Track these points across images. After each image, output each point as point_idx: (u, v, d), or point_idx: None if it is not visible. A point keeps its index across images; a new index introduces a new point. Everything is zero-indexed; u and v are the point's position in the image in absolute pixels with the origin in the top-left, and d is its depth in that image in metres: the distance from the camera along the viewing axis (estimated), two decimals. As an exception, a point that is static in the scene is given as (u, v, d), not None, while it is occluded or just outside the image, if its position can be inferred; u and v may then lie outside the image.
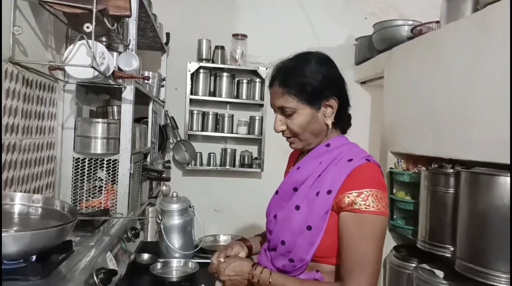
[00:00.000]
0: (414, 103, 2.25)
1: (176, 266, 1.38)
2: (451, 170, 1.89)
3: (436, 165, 2.04)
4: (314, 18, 3.11)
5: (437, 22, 2.17)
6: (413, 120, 2.25)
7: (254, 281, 1.02)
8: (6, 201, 1.02)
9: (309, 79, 1.04)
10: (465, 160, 1.82)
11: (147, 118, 2.17)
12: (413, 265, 2.14)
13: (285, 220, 1.07)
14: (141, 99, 2.00)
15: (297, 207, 1.04)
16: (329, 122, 1.07)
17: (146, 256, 1.43)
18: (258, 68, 2.89)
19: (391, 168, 2.44)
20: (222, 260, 1.12)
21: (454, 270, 1.75)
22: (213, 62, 2.90)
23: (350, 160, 1.03)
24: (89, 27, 1.10)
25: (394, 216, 2.41)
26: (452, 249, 1.84)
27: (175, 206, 1.43)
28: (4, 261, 0.87)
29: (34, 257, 0.91)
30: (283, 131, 1.10)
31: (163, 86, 2.55)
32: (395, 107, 2.48)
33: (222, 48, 2.90)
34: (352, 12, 3.13)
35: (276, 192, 1.16)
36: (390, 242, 2.45)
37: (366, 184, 0.99)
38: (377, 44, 2.67)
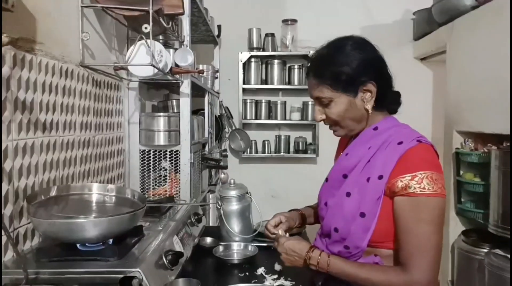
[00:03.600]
0: (482, 78, 2.08)
1: (237, 249, 1.45)
2: None
3: (509, 144, 1.89)
4: (368, -5, 2.98)
5: (506, -14, 1.98)
6: (481, 96, 2.09)
7: (312, 263, 1.03)
8: (85, 191, 1.14)
9: (342, 67, 1.02)
10: (541, 137, 1.67)
11: (203, 109, 2.27)
12: (485, 250, 2.02)
13: (336, 207, 1.07)
14: (197, 91, 2.09)
15: (348, 194, 1.04)
16: (369, 107, 1.04)
17: (209, 239, 1.51)
18: (310, 52, 2.84)
19: (457, 148, 2.30)
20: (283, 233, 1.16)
21: None
22: (263, 50, 2.92)
23: (400, 142, 1.00)
24: (147, 28, 1.18)
25: (462, 199, 2.29)
26: None
27: (233, 193, 1.49)
28: (86, 244, 0.99)
29: (111, 241, 1.01)
30: (323, 120, 1.10)
31: (216, 77, 2.63)
32: (460, 83, 2.32)
33: (272, 35, 2.91)
34: (409, -16, 2.96)
35: (326, 180, 1.16)
36: (458, 227, 2.33)
37: (419, 166, 0.95)
38: (437, 16, 2.49)
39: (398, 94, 1.12)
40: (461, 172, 2.29)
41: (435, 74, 2.98)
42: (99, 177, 1.43)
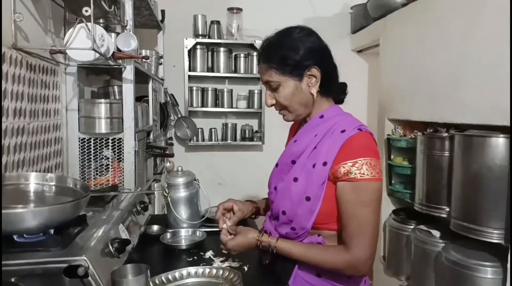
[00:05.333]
0: (410, 70, 2.25)
1: (185, 235, 1.46)
2: (446, 134, 1.91)
3: (432, 130, 2.07)
4: (310, -13, 3.08)
5: (432, -14, 2.15)
6: (409, 86, 2.26)
7: (264, 246, 1.09)
8: (21, 181, 1.08)
9: (289, 51, 1.08)
10: (459, 124, 1.85)
11: (147, 96, 2.21)
12: (411, 227, 2.20)
13: (284, 191, 1.12)
14: (141, 77, 2.03)
15: (295, 179, 1.10)
16: (314, 91, 1.10)
17: (155, 227, 1.51)
18: (255, 41, 2.89)
19: (388, 134, 2.48)
20: (229, 236, 1.16)
21: (449, 229, 1.81)
22: (209, 37, 2.90)
23: (343, 131, 1.07)
24: (87, 11, 1.13)
25: (393, 181, 2.47)
26: (447, 209, 1.90)
27: (180, 180, 1.50)
28: (25, 235, 0.94)
29: (52, 231, 0.98)
30: (274, 105, 1.15)
31: (161, 64, 2.57)
32: (391, 75, 2.49)
33: (218, 23, 2.90)
34: (348, -21, 3.10)
35: (276, 165, 1.22)
36: (389, 207, 2.51)
37: (360, 153, 1.03)
38: (372, 11, 2.65)
39: (344, 85, 1.20)
40: (392, 156, 2.47)
41: (370, 66, 3.17)
42: (35, 166, 1.35)
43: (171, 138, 2.91)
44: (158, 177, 2.38)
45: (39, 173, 1.09)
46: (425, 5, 2.13)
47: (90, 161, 1.66)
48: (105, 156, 1.68)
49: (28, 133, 1.30)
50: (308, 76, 1.09)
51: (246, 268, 1.19)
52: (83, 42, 1.25)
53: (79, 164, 1.64)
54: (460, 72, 1.83)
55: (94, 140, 1.65)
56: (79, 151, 1.64)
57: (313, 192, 1.06)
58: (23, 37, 1.24)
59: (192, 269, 1.14)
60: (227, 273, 1.13)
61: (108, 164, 1.68)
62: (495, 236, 1.61)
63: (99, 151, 1.66)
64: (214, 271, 1.14)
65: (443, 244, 1.92)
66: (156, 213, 2.21)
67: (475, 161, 1.67)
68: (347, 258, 1.02)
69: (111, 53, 1.41)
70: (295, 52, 1.07)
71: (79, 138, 1.63)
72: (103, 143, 1.66)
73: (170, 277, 1.11)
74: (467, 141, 1.72)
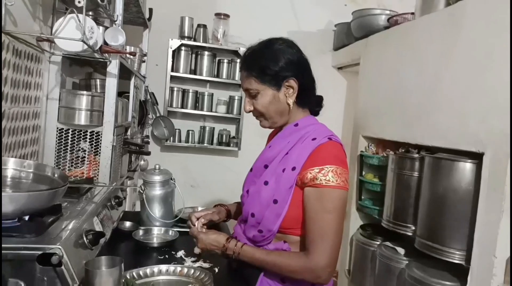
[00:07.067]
0: (387, 91, 2.34)
1: (157, 234, 1.47)
2: (417, 155, 1.98)
3: (403, 150, 2.14)
4: (297, 1, 3.15)
5: (412, 13, 2.26)
6: (384, 106, 2.34)
7: (228, 253, 1.13)
8: (-3, 166, 1.06)
9: (269, 61, 1.12)
10: (430, 146, 1.92)
11: (127, 92, 2.20)
12: (378, 243, 2.26)
13: (255, 194, 1.16)
14: (123, 73, 2.02)
15: (266, 183, 1.14)
16: (290, 101, 1.15)
17: (128, 224, 1.50)
18: (240, 48, 2.93)
19: (361, 151, 2.55)
20: (202, 229, 1.20)
21: (414, 247, 1.87)
22: (195, 40, 2.92)
23: (314, 139, 1.12)
24: (80, 2, 1.13)
25: (362, 197, 2.53)
26: (413, 228, 1.95)
27: (157, 178, 1.51)
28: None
29: (27, 217, 0.97)
30: (251, 111, 1.19)
31: (144, 61, 2.56)
32: (368, 94, 2.57)
33: (205, 26, 2.92)
34: (333, -3, 3.20)
35: (251, 169, 1.26)
36: (357, 221, 2.58)
37: (327, 161, 1.07)
38: (355, 31, 2.74)
39: (321, 98, 1.25)
40: (363, 172, 2.54)
41: (349, 83, 3.27)
42: (10, 153, 1.32)
43: (147, 136, 2.89)
44: (131, 175, 2.36)
45: (17, 159, 1.08)
46: (405, 30, 2.23)
47: (66, 152, 1.63)
48: (82, 149, 1.66)
49: (8, 118, 1.28)
50: (286, 86, 1.14)
51: (216, 270, 1.21)
52: (72, 32, 1.25)
53: (55, 154, 1.62)
54: (432, 97, 1.92)
55: (72, 131, 1.63)
56: (56, 141, 1.61)
57: (281, 196, 1.09)
58: (12, 21, 1.22)
59: (163, 267, 1.15)
60: (198, 273, 1.14)
61: (84, 157, 1.66)
62: (456, 256, 1.67)
63: (76, 143, 1.64)
64: (186, 270, 1.16)
65: (407, 262, 1.97)
66: (126, 210, 2.19)
67: (443, 183, 1.74)
68: (305, 263, 1.04)
69: (99, 46, 1.41)
70: (275, 63, 1.12)
71: (57, 128, 1.61)
72: (81, 135, 1.64)
73: (141, 273, 1.12)
74: (436, 163, 1.79)
